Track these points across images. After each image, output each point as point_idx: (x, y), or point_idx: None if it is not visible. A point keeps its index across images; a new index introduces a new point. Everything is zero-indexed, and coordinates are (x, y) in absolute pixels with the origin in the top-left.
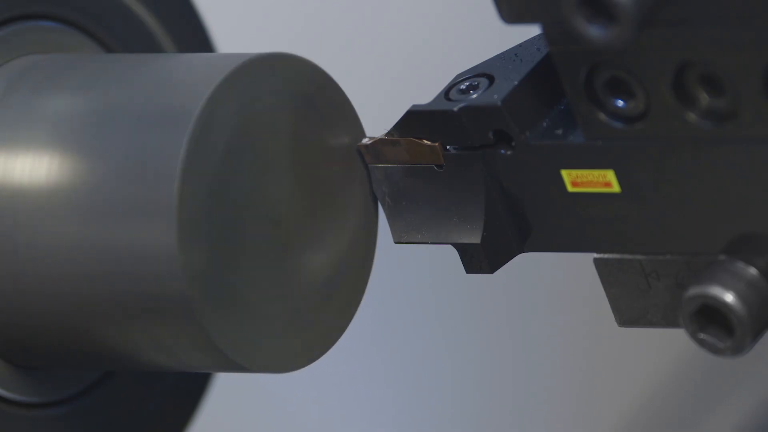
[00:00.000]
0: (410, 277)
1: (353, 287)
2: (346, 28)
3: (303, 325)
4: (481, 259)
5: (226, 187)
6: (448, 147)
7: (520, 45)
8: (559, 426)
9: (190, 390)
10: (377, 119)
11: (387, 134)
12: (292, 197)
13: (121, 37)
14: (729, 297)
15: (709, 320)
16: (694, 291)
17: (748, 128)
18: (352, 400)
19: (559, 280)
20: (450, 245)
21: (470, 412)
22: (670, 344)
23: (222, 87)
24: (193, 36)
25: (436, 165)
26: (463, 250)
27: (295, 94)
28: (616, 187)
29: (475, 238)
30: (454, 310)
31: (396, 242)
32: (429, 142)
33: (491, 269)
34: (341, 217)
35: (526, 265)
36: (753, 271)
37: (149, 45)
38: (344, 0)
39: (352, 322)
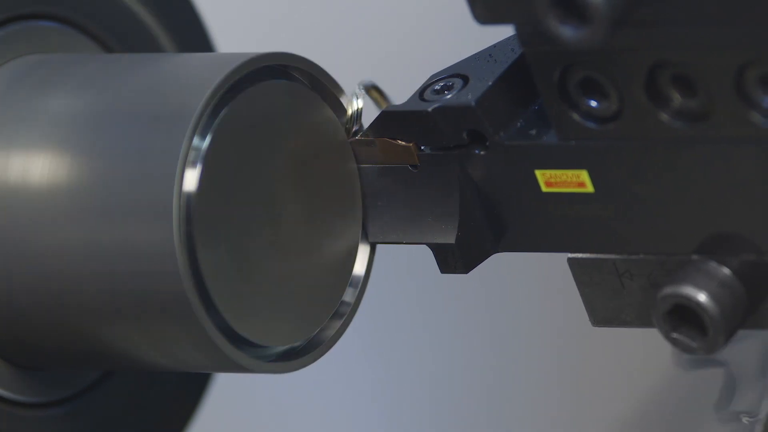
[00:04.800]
0: (392, 278)
1: (354, 291)
2: (342, 29)
3: (302, 326)
4: (456, 259)
5: (226, 187)
6: (422, 147)
7: (494, 45)
8: (552, 428)
9: (190, 390)
10: (370, 115)
11: (362, 135)
12: (292, 195)
13: (121, 37)
14: (702, 296)
15: (683, 320)
16: (667, 291)
17: (721, 128)
18: (351, 401)
19: (541, 280)
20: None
21: (459, 415)
22: (666, 344)
23: (222, 87)
24: (193, 36)
25: (410, 165)
26: (438, 250)
27: (294, 92)
28: (590, 187)
29: (449, 238)
30: (436, 312)
31: (371, 242)
32: (403, 143)
33: (466, 269)
34: (342, 214)
35: (505, 264)
36: (726, 270)
37: (149, 45)
38: (339, 1)
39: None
